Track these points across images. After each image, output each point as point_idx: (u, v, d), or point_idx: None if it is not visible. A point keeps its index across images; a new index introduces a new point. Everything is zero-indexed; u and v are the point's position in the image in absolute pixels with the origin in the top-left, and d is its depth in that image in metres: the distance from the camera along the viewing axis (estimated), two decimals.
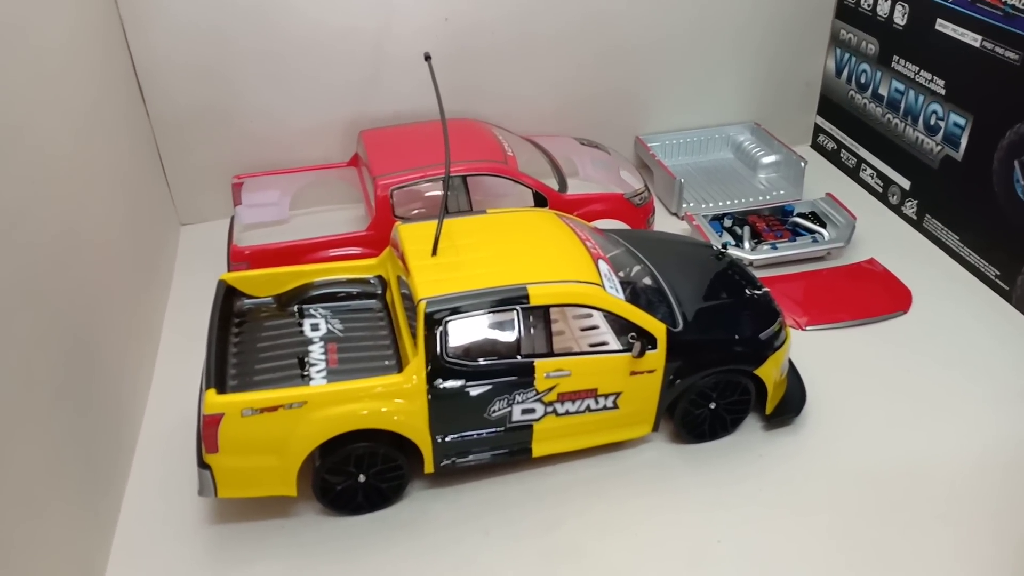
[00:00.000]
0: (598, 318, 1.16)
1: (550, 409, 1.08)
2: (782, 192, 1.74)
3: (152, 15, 1.47)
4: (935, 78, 1.56)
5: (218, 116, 1.59)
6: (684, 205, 1.68)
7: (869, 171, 1.79)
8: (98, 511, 1.03)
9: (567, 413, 1.10)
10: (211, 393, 0.98)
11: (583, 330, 1.17)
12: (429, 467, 1.08)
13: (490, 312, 1.04)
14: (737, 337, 1.15)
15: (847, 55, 1.81)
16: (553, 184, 1.54)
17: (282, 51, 1.55)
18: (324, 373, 1.09)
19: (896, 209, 1.71)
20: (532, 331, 1.05)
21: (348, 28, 1.56)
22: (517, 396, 1.06)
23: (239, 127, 1.61)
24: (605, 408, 1.11)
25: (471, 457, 1.09)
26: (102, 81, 1.32)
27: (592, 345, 1.12)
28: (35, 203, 0.97)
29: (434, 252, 1.10)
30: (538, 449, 1.11)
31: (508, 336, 1.05)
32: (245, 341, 1.14)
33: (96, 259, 1.15)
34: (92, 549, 1.00)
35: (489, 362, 1.04)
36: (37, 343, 0.92)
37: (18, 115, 0.97)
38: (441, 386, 1.03)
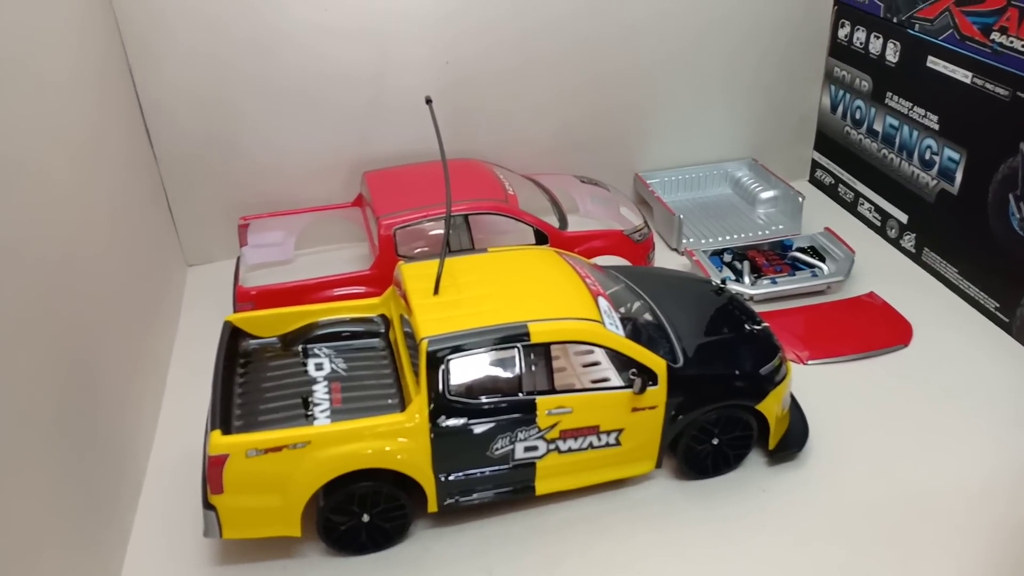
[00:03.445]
0: (599, 354, 1.17)
1: (552, 446, 1.09)
2: (781, 227, 1.76)
3: (158, 55, 1.50)
4: (928, 114, 1.58)
5: (223, 156, 1.61)
6: (684, 241, 1.70)
7: (867, 205, 1.80)
8: (104, 550, 1.03)
9: (570, 450, 1.10)
10: (216, 434, 0.99)
11: (584, 366, 1.18)
12: (432, 506, 1.08)
13: (492, 350, 1.05)
14: (738, 372, 1.16)
15: (841, 92, 1.84)
16: (554, 222, 1.56)
17: (287, 87, 1.59)
18: (328, 413, 1.09)
19: (894, 242, 1.73)
20: (534, 368, 1.06)
21: (349, 67, 1.59)
22: (520, 433, 1.07)
23: (244, 168, 1.63)
24: (607, 445, 1.11)
25: (474, 496, 1.09)
26: (106, 118, 1.34)
27: (593, 382, 1.13)
28: (35, 236, 0.98)
29: (436, 291, 1.11)
30: (541, 487, 1.11)
31: (510, 374, 1.06)
32: (250, 381, 1.15)
33: (100, 295, 1.16)
34: None
35: (491, 400, 1.05)
36: (39, 378, 0.93)
37: (20, 148, 0.98)
38: (444, 424, 1.04)
